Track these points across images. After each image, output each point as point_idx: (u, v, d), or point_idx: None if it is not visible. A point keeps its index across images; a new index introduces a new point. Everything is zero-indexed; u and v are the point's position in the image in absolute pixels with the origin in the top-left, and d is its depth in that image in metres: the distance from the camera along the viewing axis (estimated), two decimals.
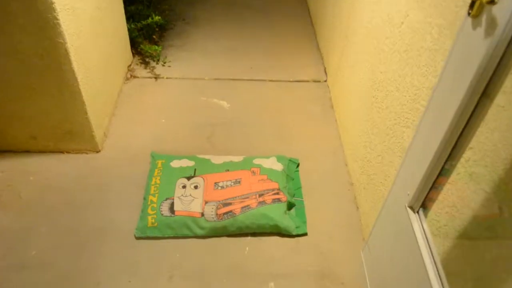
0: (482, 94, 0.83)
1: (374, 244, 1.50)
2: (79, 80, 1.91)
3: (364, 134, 1.97)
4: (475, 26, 0.81)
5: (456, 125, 0.92)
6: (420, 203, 1.12)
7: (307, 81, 2.77)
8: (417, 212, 1.14)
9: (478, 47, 0.80)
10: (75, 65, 1.85)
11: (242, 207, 1.89)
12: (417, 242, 1.13)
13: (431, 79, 1.33)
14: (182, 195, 1.93)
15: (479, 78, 0.81)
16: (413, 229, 1.14)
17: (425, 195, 1.09)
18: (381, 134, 1.75)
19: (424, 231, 1.12)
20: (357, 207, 2.03)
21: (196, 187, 1.96)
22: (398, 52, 1.60)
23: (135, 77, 2.71)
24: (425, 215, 1.13)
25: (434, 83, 1.28)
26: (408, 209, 1.16)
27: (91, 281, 1.72)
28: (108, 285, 1.71)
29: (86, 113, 2.04)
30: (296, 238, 1.90)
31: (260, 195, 1.94)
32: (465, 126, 0.91)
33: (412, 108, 1.46)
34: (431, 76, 1.33)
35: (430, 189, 1.07)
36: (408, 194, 1.15)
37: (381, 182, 1.75)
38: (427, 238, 1.12)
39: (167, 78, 2.73)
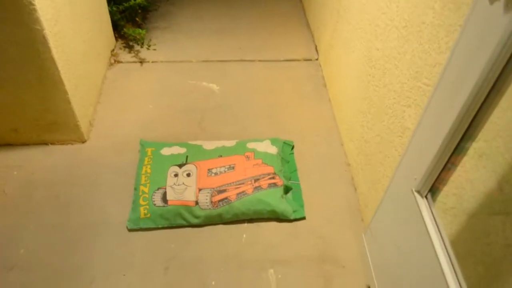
0: (501, 73, 0.77)
1: (377, 228, 1.45)
2: (59, 68, 1.80)
3: (361, 113, 1.91)
4: (492, 0, 0.74)
5: (470, 106, 0.85)
6: (428, 187, 1.07)
7: (298, 60, 2.68)
8: (426, 196, 1.09)
9: (496, 24, 0.73)
10: (54, 53, 1.74)
11: (238, 194, 1.83)
12: (426, 227, 1.08)
13: (434, 56, 1.26)
14: (174, 183, 1.86)
15: (497, 56, 0.74)
16: (421, 214, 1.09)
17: (434, 178, 1.04)
18: (380, 113, 1.69)
19: (433, 216, 1.07)
20: (355, 188, 1.98)
21: (188, 174, 1.89)
22: (397, 28, 1.52)
23: (119, 62, 2.60)
24: (434, 199, 1.08)
25: (439, 60, 1.22)
26: (416, 193, 1.11)
27: (84, 279, 1.65)
28: (102, 282, 1.65)
29: (69, 102, 1.94)
30: (294, 223, 1.85)
31: (256, 180, 1.88)
32: (480, 106, 0.85)
33: (414, 86, 1.39)
34: (434, 53, 1.26)
35: (441, 171, 1.01)
36: (416, 179, 1.09)
37: (380, 163, 1.69)
38: (437, 223, 1.07)
39: (152, 62, 2.62)
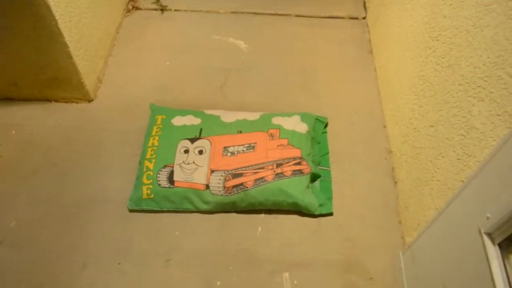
0: None
1: (420, 254, 1.17)
2: (57, 17, 1.53)
3: (412, 93, 1.56)
4: None
5: None
6: (505, 236, 0.76)
7: (342, 17, 2.29)
8: (499, 244, 0.78)
9: None
10: None
11: (256, 180, 1.56)
12: (493, 282, 0.78)
13: None
14: (183, 162, 1.61)
15: None
16: (488, 263, 0.79)
17: None
18: (438, 99, 1.35)
19: (506, 271, 0.77)
20: (395, 182, 1.67)
21: (201, 152, 1.63)
22: None
23: (137, 8, 2.29)
24: (510, 251, 0.78)
25: None
26: (485, 236, 0.80)
27: (75, 263, 1.47)
28: (94, 269, 1.46)
29: (70, 56, 1.68)
30: (318, 218, 1.58)
31: (278, 165, 1.60)
32: None
33: (491, 75, 1.04)
34: None
35: None
36: (488, 218, 0.78)
37: (430, 161, 1.37)
38: (510, 281, 0.77)
39: (175, 10, 2.30)
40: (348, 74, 2.04)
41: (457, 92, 1.22)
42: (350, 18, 2.28)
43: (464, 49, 1.20)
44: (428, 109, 1.42)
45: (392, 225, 1.57)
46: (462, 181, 1.17)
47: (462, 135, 1.18)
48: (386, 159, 1.74)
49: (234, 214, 1.59)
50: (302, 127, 1.73)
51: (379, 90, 1.96)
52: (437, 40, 1.38)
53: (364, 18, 2.28)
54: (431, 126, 1.39)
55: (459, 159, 1.19)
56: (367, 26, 2.24)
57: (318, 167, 1.69)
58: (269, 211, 1.59)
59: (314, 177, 1.65)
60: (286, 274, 1.46)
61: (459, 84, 1.21)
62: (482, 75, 1.09)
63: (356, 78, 2.02)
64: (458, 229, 0.93)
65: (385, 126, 1.84)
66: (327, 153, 1.74)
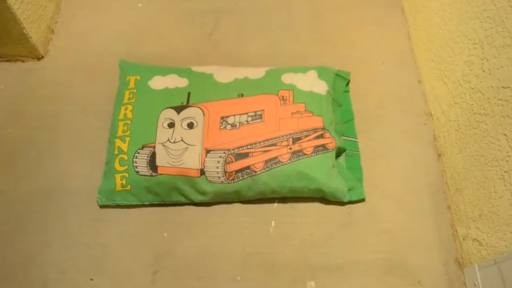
0: None
1: None
2: None
3: (469, 41, 1.18)
4: None
5: None
6: None
7: None
8: None
9: None
10: None
11: (266, 161, 1.19)
12: None
13: None
14: (168, 139, 1.21)
15: None
16: None
17: None
18: None
19: None
20: (439, 155, 1.33)
21: (190, 125, 1.23)
22: None
23: None
24: None
25: None
26: None
27: (34, 280, 1.11)
28: (59, 287, 1.10)
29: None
30: (347, 206, 1.24)
31: (295, 140, 1.22)
32: None
33: None
34: None
35: None
36: None
37: (504, 134, 1.02)
38: None
39: None
40: (368, 16, 1.62)
41: None
42: None
43: None
44: (499, 64, 1.05)
45: (438, 211, 1.24)
46: None
47: None
48: (425, 124, 1.38)
49: (238, 205, 1.23)
50: (320, 87, 1.33)
51: (409, 35, 1.56)
52: None
53: None
54: (504, 87, 1.03)
55: None
56: None
57: (342, 137, 1.32)
58: (283, 199, 1.24)
59: (338, 152, 1.28)
60: (312, 283, 1.13)
61: None
62: None
63: (378, 20, 1.61)
64: None
65: (420, 82, 1.46)
66: (352, 118, 1.37)
